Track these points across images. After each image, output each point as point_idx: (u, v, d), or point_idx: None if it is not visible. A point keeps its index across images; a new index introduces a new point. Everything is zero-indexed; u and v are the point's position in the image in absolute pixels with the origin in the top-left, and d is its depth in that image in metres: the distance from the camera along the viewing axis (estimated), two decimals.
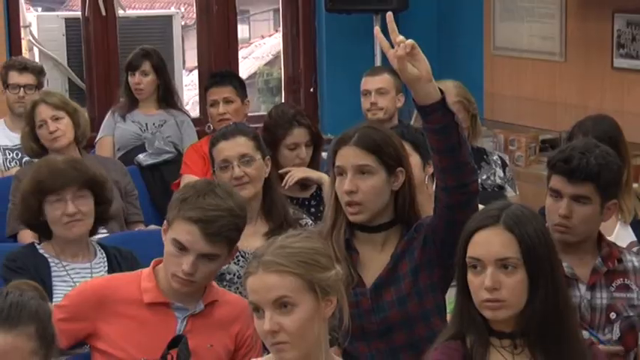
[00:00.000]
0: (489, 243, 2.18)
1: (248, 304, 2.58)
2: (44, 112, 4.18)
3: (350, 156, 2.66)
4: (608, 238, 3.02)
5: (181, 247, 2.58)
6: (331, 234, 2.68)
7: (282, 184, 3.77)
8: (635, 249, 3.21)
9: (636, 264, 2.83)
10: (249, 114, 5.95)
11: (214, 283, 2.75)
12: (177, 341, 2.48)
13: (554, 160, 2.78)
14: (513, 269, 2.17)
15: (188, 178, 4.31)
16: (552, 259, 2.21)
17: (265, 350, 2.51)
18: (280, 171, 3.82)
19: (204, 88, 4.79)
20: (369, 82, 4.61)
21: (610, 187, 2.79)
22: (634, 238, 3.37)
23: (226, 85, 4.65)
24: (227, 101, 4.63)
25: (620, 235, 3.34)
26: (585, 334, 2.61)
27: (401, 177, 2.68)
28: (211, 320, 2.64)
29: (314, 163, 3.95)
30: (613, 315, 2.77)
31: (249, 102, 4.78)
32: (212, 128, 4.69)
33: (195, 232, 2.55)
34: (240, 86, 4.71)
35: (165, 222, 2.66)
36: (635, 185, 3.67)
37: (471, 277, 2.19)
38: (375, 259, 2.70)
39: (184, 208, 2.57)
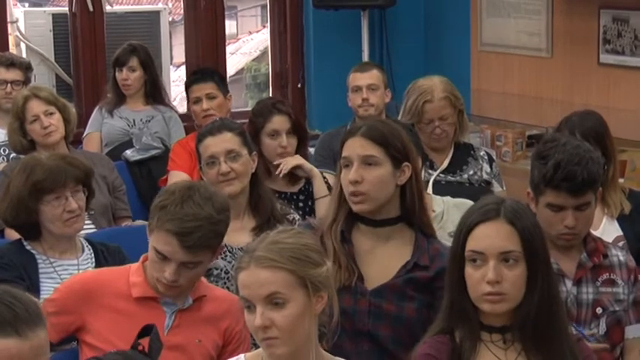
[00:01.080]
0: (492, 236, 2.19)
1: (237, 300, 2.59)
2: (37, 107, 4.17)
3: (356, 146, 2.67)
4: (595, 232, 3.05)
5: (162, 257, 2.57)
6: (331, 227, 2.68)
7: (277, 172, 3.77)
8: (620, 243, 3.24)
9: (622, 258, 2.84)
10: (236, 110, 5.95)
11: (203, 278, 2.74)
12: (147, 331, 2.42)
13: (556, 179, 2.73)
14: (514, 262, 2.19)
15: (175, 175, 4.35)
16: (546, 253, 2.24)
17: (254, 346, 2.52)
18: (275, 162, 3.81)
19: (184, 87, 4.79)
20: (360, 79, 4.61)
21: (600, 182, 2.83)
22: (620, 233, 3.39)
23: (208, 82, 4.64)
24: (210, 97, 4.62)
25: (606, 229, 3.36)
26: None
27: (407, 172, 2.68)
28: (200, 315, 2.64)
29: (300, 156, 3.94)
30: (599, 310, 2.78)
31: (231, 97, 4.78)
32: (197, 127, 4.67)
33: (174, 243, 2.54)
34: (221, 81, 4.71)
35: (148, 223, 2.65)
36: (620, 180, 3.69)
37: (470, 270, 2.20)
38: (377, 254, 2.70)
39: (162, 219, 2.54)
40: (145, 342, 2.29)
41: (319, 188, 3.78)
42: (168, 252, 2.55)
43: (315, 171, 3.79)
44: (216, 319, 2.64)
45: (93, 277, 2.69)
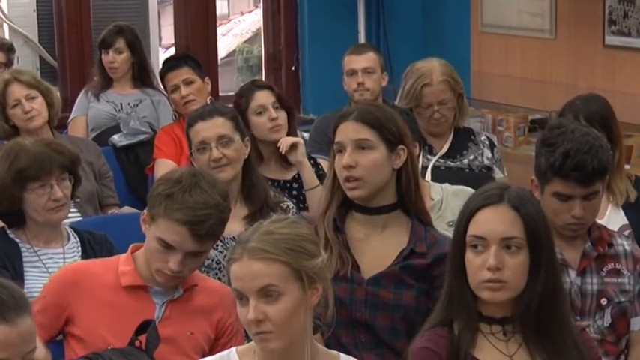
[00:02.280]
0: (495, 221, 2.16)
1: (230, 291, 2.53)
2: (18, 91, 4.13)
3: (349, 131, 2.66)
4: (600, 221, 2.99)
5: (168, 246, 2.54)
6: (324, 215, 2.69)
7: (279, 149, 3.73)
8: (626, 232, 3.21)
9: (627, 248, 2.81)
10: (228, 94, 5.89)
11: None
12: (146, 326, 2.42)
13: (562, 168, 2.70)
14: (517, 249, 2.16)
15: (161, 163, 4.34)
16: (551, 243, 2.21)
17: (247, 338, 2.50)
18: (271, 139, 3.77)
19: (159, 77, 4.80)
20: (355, 62, 4.56)
21: (610, 170, 2.80)
22: (625, 221, 3.36)
23: (182, 67, 4.62)
24: (187, 82, 4.59)
25: (611, 218, 3.33)
26: None
27: (402, 155, 2.67)
28: (191, 306, 2.61)
29: (292, 133, 3.89)
30: (604, 301, 2.76)
31: (209, 81, 4.76)
32: (177, 116, 4.64)
33: (184, 232, 2.51)
34: (196, 66, 4.69)
35: (145, 212, 2.60)
36: (626, 167, 3.65)
37: (470, 256, 2.17)
38: (371, 242, 2.69)
39: (171, 208, 2.50)
40: (142, 338, 2.37)
41: (309, 179, 3.72)
42: (176, 242, 2.51)
43: (304, 162, 3.73)
44: (208, 311, 2.62)
45: (81, 267, 2.66)
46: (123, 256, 2.64)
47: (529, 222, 2.15)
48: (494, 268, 2.13)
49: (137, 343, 2.38)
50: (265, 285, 2.06)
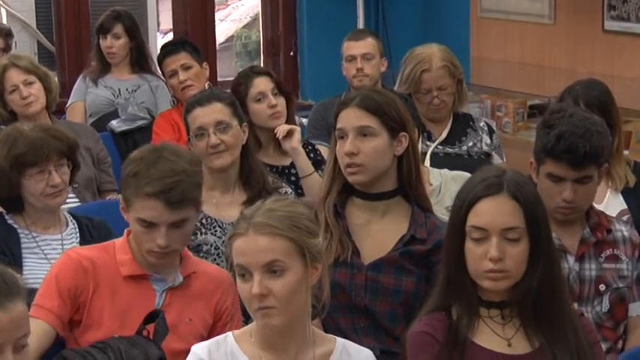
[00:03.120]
0: (495, 212, 2.15)
1: (228, 275, 2.58)
2: (15, 76, 4.11)
3: (351, 117, 2.65)
4: (599, 206, 2.99)
5: (149, 224, 2.53)
6: (324, 200, 2.67)
7: (276, 135, 3.72)
8: (625, 218, 3.22)
9: (626, 233, 2.81)
10: (226, 79, 5.86)
11: (190, 254, 2.70)
12: (154, 316, 2.45)
13: (557, 150, 2.70)
14: (517, 239, 2.16)
15: None
16: (548, 227, 2.21)
17: (245, 324, 2.49)
18: (269, 125, 3.76)
19: (157, 63, 4.78)
20: (354, 47, 4.53)
21: (606, 156, 2.79)
22: (624, 207, 3.36)
23: (180, 52, 4.60)
24: (185, 68, 4.58)
25: (610, 203, 3.33)
26: None
27: (404, 142, 2.66)
28: (190, 292, 2.61)
29: (290, 119, 3.88)
30: (602, 287, 2.75)
31: (207, 66, 4.74)
32: (175, 101, 4.62)
33: (158, 205, 2.50)
34: (194, 51, 4.67)
35: (121, 200, 2.60)
36: (625, 152, 3.64)
37: (471, 246, 2.16)
38: (372, 228, 2.68)
39: (140, 185, 2.51)
40: (150, 328, 2.41)
41: (304, 166, 3.70)
42: (154, 217, 2.51)
43: (299, 149, 3.72)
44: (206, 295, 2.62)
45: (83, 255, 2.60)
46: (119, 241, 2.63)
47: (529, 210, 2.15)
48: (496, 259, 2.13)
49: (145, 332, 2.42)
50: (271, 260, 2.06)
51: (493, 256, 2.12)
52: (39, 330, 2.43)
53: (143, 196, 2.50)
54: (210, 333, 2.58)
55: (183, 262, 2.62)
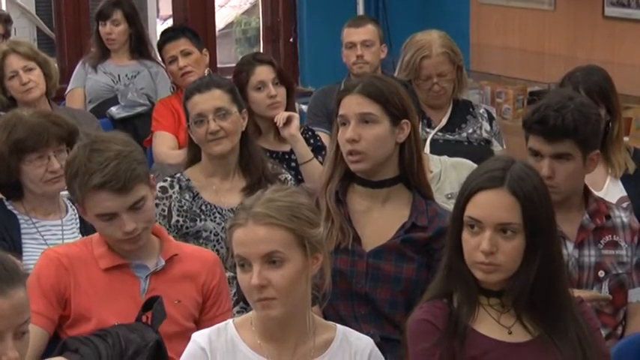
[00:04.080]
0: (492, 206, 2.14)
1: (212, 255, 2.65)
2: (15, 62, 4.11)
3: (353, 104, 2.65)
4: (598, 193, 2.99)
5: (109, 216, 2.52)
6: (326, 187, 2.67)
7: (276, 123, 3.71)
8: (624, 204, 3.20)
9: (625, 220, 2.80)
10: (226, 65, 5.85)
11: (171, 238, 2.69)
12: (152, 302, 2.44)
13: (530, 121, 2.74)
14: (512, 234, 2.14)
15: (160, 135, 4.34)
16: (552, 222, 2.18)
17: (244, 310, 2.55)
18: (268, 115, 3.76)
19: (157, 48, 4.76)
20: (354, 34, 4.52)
21: (590, 138, 2.75)
22: (624, 193, 3.35)
23: (180, 38, 4.60)
24: (185, 54, 4.57)
25: (610, 190, 3.32)
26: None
27: (406, 129, 2.66)
28: (174, 275, 2.59)
29: (290, 107, 3.87)
30: (602, 273, 2.75)
31: (207, 52, 4.73)
32: (175, 88, 4.61)
33: (107, 195, 2.48)
34: (194, 37, 4.67)
35: (78, 206, 2.60)
36: (625, 139, 3.63)
37: (466, 236, 2.16)
38: (373, 215, 2.68)
39: (82, 183, 2.49)
40: (149, 314, 2.42)
41: (303, 153, 3.69)
42: (109, 207, 2.50)
43: (298, 136, 3.71)
44: (192, 276, 2.60)
45: (61, 254, 2.59)
46: (95, 235, 2.61)
47: (528, 207, 2.12)
48: (487, 253, 2.11)
49: (144, 318, 2.42)
50: (270, 251, 2.06)
51: (484, 249, 2.11)
52: (31, 334, 2.42)
53: (90, 193, 2.48)
54: (201, 312, 2.59)
55: (164, 247, 2.60)
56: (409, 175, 2.69)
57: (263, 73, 3.79)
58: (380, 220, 2.68)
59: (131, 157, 2.51)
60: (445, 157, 3.37)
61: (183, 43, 4.55)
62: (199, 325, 2.55)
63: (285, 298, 2.07)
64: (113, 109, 4.75)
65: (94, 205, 2.49)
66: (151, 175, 2.60)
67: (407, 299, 2.62)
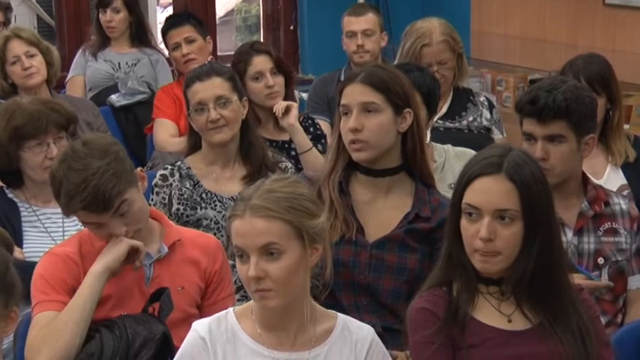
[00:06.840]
0: (490, 192, 2.13)
1: (213, 239, 2.64)
2: (18, 47, 4.11)
3: (356, 93, 2.64)
4: (598, 181, 3.00)
5: (96, 225, 2.51)
6: (329, 177, 2.66)
7: (275, 113, 3.71)
8: (625, 192, 3.21)
9: (624, 207, 2.80)
10: (226, 53, 5.84)
11: (172, 223, 2.68)
12: (160, 294, 2.46)
13: (521, 103, 2.74)
14: (511, 221, 2.13)
15: (161, 122, 4.33)
16: (550, 209, 2.17)
17: (245, 298, 2.54)
18: (267, 104, 3.76)
19: (161, 35, 4.74)
20: (354, 23, 4.51)
21: (583, 120, 2.74)
22: (624, 181, 3.35)
23: (184, 25, 4.58)
24: (189, 41, 4.56)
25: (610, 178, 3.32)
26: (579, 276, 2.60)
27: (409, 118, 2.65)
28: (178, 260, 2.59)
29: (289, 96, 3.86)
30: (601, 260, 2.75)
31: (211, 40, 4.72)
32: (177, 75, 4.57)
33: (90, 214, 2.47)
34: (198, 24, 4.65)
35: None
36: (625, 126, 3.63)
37: (465, 223, 2.16)
38: (376, 205, 2.68)
39: (64, 205, 2.47)
40: (156, 305, 2.43)
41: (301, 142, 3.69)
42: (95, 220, 2.49)
43: (296, 125, 3.69)
44: (194, 261, 2.60)
45: (68, 251, 2.57)
46: (85, 231, 2.59)
47: (526, 193, 2.12)
48: (485, 239, 2.11)
49: (151, 309, 2.43)
50: (267, 243, 2.05)
51: (483, 236, 2.11)
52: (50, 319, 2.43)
53: (75, 213, 2.48)
54: (203, 297, 2.59)
55: (165, 232, 2.59)
56: (412, 164, 2.68)
57: (260, 63, 3.78)
58: (383, 211, 2.67)
59: (110, 170, 2.45)
60: (449, 147, 3.37)
61: (187, 30, 4.54)
62: (202, 310, 2.56)
63: (282, 290, 2.07)
64: (113, 97, 4.75)
65: (81, 219, 2.52)
66: (139, 169, 2.57)
67: (410, 290, 2.60)
